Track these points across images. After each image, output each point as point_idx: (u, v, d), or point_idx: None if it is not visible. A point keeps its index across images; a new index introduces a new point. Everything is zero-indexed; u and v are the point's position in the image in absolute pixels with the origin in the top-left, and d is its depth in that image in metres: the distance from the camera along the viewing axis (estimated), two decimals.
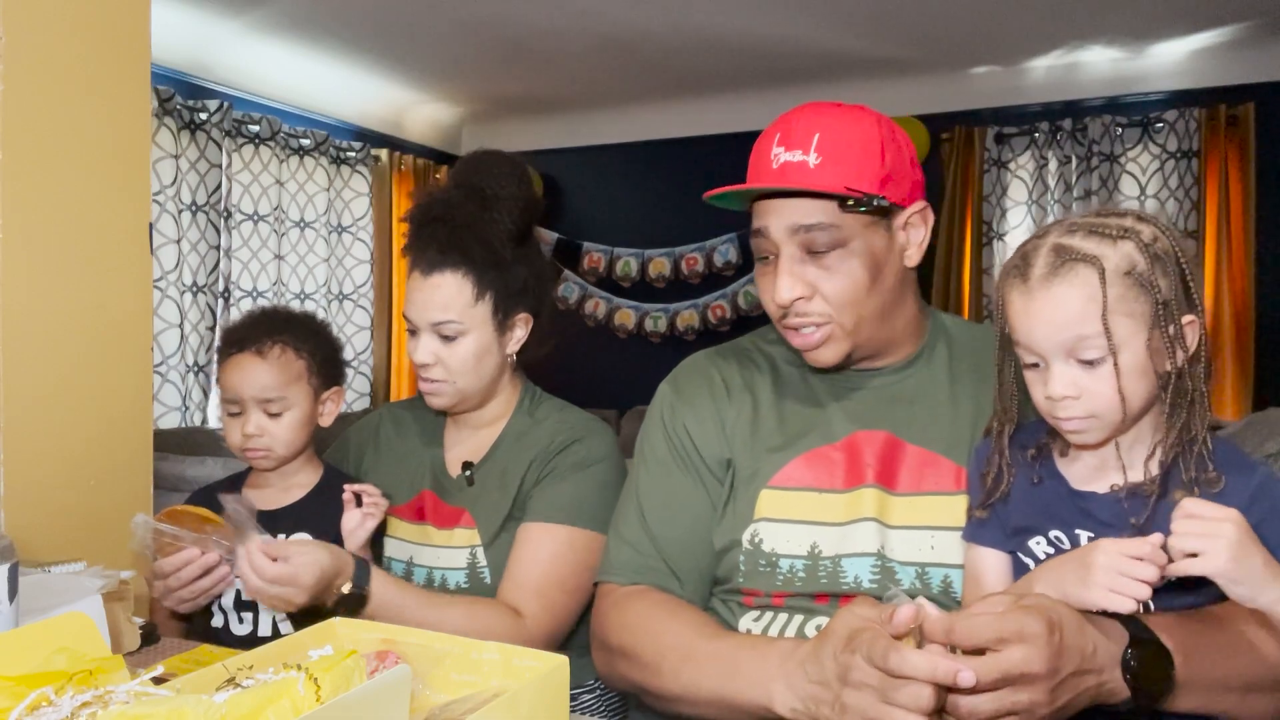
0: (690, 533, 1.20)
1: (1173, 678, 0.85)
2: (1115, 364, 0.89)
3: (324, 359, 1.47)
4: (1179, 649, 0.86)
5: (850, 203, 1.07)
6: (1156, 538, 0.83)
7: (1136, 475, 0.94)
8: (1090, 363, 0.90)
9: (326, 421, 1.48)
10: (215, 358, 1.47)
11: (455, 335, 1.39)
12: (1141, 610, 0.85)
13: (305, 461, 1.47)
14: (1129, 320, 0.89)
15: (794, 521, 1.13)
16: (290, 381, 1.41)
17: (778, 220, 1.10)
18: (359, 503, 1.38)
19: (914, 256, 1.15)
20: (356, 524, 1.36)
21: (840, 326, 1.11)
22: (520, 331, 1.45)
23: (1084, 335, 0.89)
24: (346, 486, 1.39)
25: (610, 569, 1.23)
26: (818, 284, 1.09)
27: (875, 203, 1.07)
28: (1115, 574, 0.83)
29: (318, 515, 1.41)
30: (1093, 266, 0.89)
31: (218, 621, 1.39)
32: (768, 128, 1.15)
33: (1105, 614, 0.85)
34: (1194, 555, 0.81)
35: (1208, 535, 0.80)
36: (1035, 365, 0.94)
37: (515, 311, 1.43)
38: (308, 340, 1.45)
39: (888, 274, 1.12)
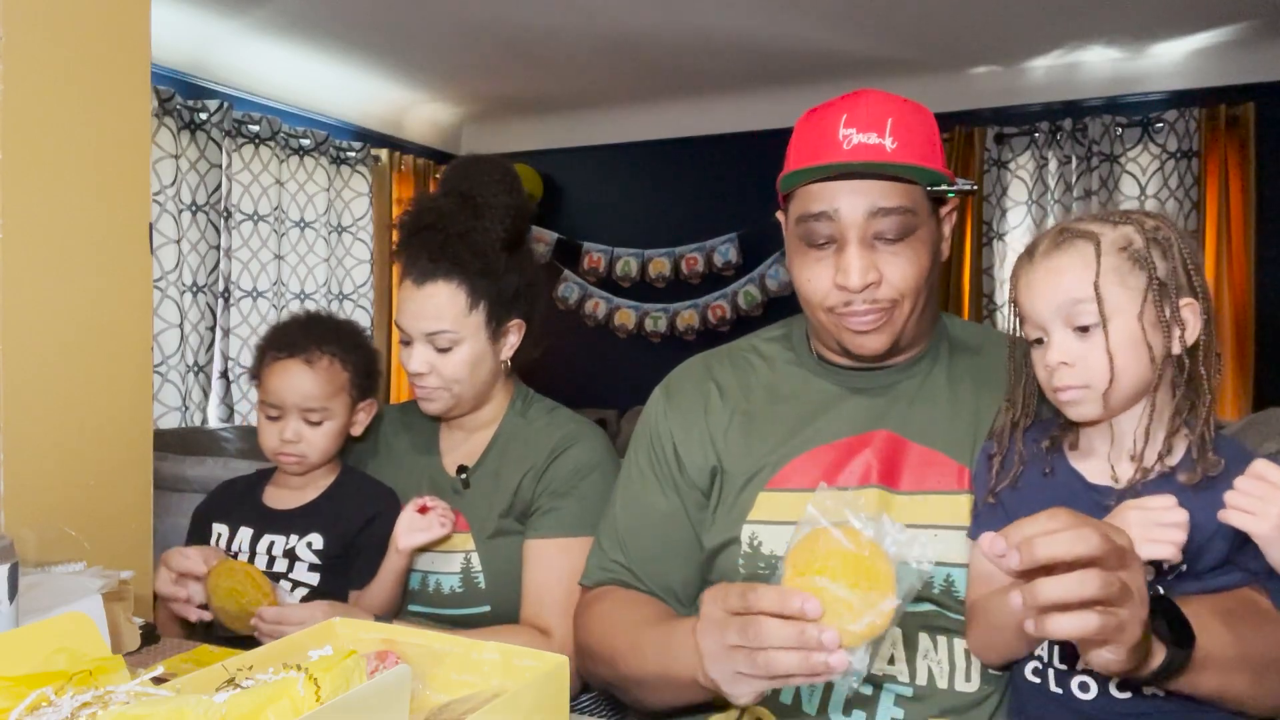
0: (658, 544, 1.21)
1: (1191, 645, 0.85)
2: (1105, 330, 0.92)
3: (365, 371, 1.47)
4: (1197, 626, 0.87)
5: (943, 185, 1.07)
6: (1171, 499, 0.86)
7: (1147, 459, 0.96)
8: (1085, 329, 0.94)
9: (357, 431, 1.48)
10: (257, 358, 1.46)
11: (450, 345, 1.38)
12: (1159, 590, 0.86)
13: (330, 465, 1.47)
14: (1121, 290, 0.93)
15: (792, 523, 1.12)
16: (334, 393, 1.41)
17: (853, 203, 1.06)
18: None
19: (945, 250, 1.17)
20: (412, 526, 1.36)
21: (899, 313, 1.11)
22: (514, 338, 1.45)
23: (1077, 299, 0.93)
24: (420, 500, 1.39)
25: (585, 573, 1.26)
26: (883, 269, 1.08)
27: (960, 187, 1.08)
28: (1151, 525, 0.86)
29: (331, 514, 1.42)
30: (1090, 240, 0.95)
31: None
32: (821, 108, 1.11)
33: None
34: (1246, 513, 0.85)
35: (1265, 499, 0.84)
36: (1039, 341, 0.98)
37: (508, 319, 1.43)
38: (352, 352, 1.45)
39: (937, 264, 1.14)
